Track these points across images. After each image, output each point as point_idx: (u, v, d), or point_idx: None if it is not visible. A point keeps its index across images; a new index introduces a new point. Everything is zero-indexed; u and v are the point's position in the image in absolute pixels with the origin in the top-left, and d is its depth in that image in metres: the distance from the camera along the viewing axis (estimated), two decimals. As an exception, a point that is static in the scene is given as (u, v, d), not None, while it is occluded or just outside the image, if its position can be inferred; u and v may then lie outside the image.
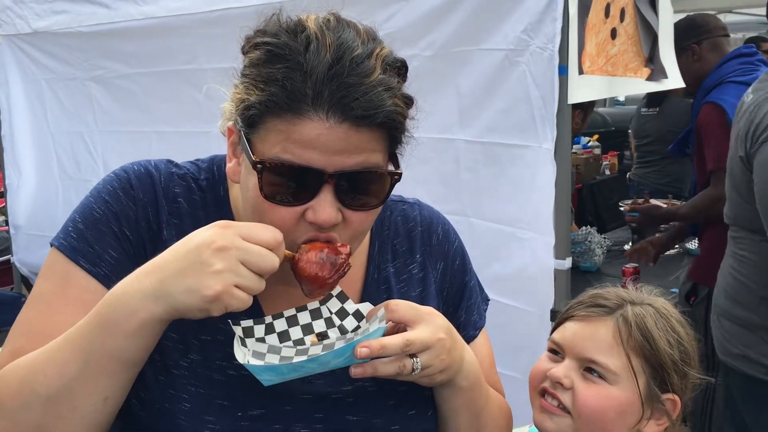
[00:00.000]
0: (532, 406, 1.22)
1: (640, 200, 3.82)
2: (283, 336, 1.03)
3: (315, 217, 0.94)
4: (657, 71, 2.84)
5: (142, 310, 0.89)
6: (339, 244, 0.96)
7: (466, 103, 2.63)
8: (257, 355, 0.93)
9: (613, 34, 2.58)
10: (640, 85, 2.83)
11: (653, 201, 3.77)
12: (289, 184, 0.94)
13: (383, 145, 0.97)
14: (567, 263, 2.48)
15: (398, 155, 1.03)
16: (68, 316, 0.97)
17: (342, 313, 1.06)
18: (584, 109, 4.75)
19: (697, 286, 3.10)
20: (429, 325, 1.00)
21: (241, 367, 0.96)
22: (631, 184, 5.32)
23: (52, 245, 1.04)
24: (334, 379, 1.04)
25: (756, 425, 2.34)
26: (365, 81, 0.92)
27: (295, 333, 1.03)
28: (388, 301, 1.03)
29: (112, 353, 0.91)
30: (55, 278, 1.02)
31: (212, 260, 0.86)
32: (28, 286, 4.51)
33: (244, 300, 0.87)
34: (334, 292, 1.06)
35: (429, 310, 1.04)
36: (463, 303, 1.23)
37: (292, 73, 0.91)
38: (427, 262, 1.19)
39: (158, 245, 1.02)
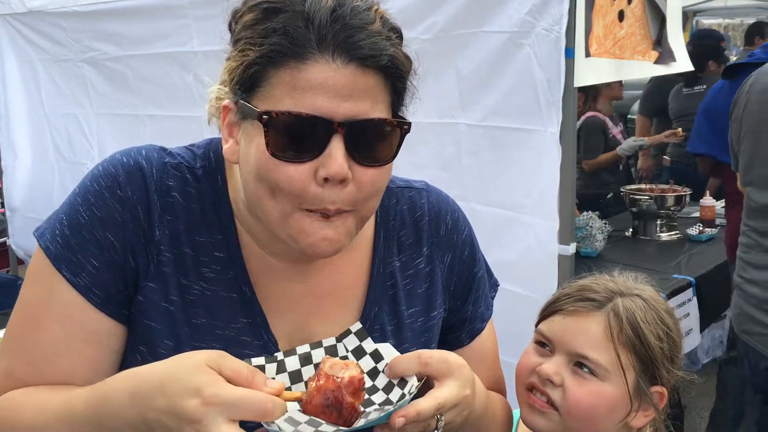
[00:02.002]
0: (519, 402, 1.19)
1: (650, 186, 3.84)
2: (295, 376, 0.97)
3: (326, 171, 0.89)
4: (665, 54, 2.80)
5: None
6: (346, 381, 0.88)
7: (467, 87, 2.59)
8: (292, 421, 0.87)
9: (621, 16, 2.54)
10: (648, 69, 2.80)
11: (661, 187, 3.80)
12: (296, 136, 0.90)
13: (387, 97, 0.94)
14: (571, 248, 2.45)
15: (402, 116, 0.99)
16: (51, 334, 0.99)
17: (359, 352, 0.99)
18: (587, 92, 4.73)
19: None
20: (457, 380, 0.96)
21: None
22: (675, 166, 5.23)
23: (38, 244, 1.01)
24: None
25: None
26: (367, 26, 0.90)
27: (308, 372, 0.97)
28: (420, 353, 0.97)
29: None
30: (40, 287, 1.00)
31: None
32: (24, 268, 4.48)
33: None
34: (353, 328, 1.01)
35: (458, 363, 0.99)
36: (470, 296, 1.19)
37: (293, 20, 0.89)
38: (434, 255, 1.15)
39: (150, 245, 0.99)
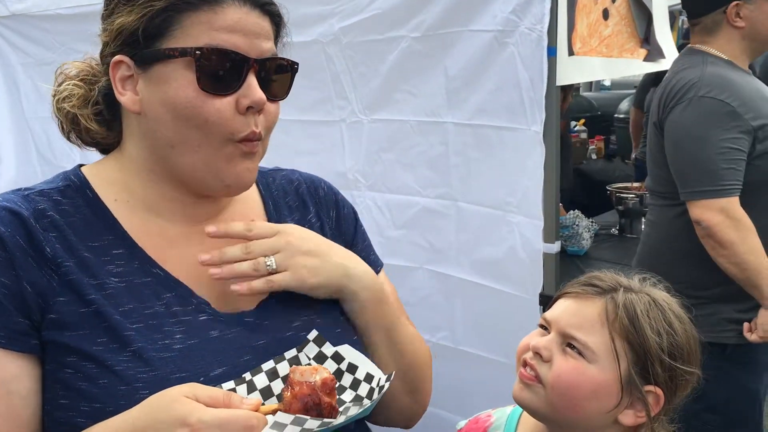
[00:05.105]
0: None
1: (636, 184, 3.84)
2: (265, 392, 1.00)
3: (250, 100, 1.02)
4: (654, 52, 2.81)
5: None
6: (320, 383, 0.92)
7: (454, 86, 2.59)
8: (277, 425, 0.89)
9: (605, 14, 2.55)
10: (637, 66, 2.81)
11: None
12: (220, 71, 1.01)
13: (274, 41, 1.09)
14: (556, 247, 2.46)
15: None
16: None
17: (320, 358, 1.04)
18: (564, 90, 4.74)
19: None
20: (281, 232, 1.11)
21: (187, 337, 0.99)
22: (638, 163, 5.21)
23: None
24: (281, 323, 1.09)
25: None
26: None
27: (276, 386, 1.01)
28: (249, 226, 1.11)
29: None
30: None
31: None
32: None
33: None
34: (311, 336, 1.05)
35: (288, 225, 1.16)
36: (359, 246, 1.30)
37: None
38: (320, 213, 1.27)
39: (45, 266, 0.99)
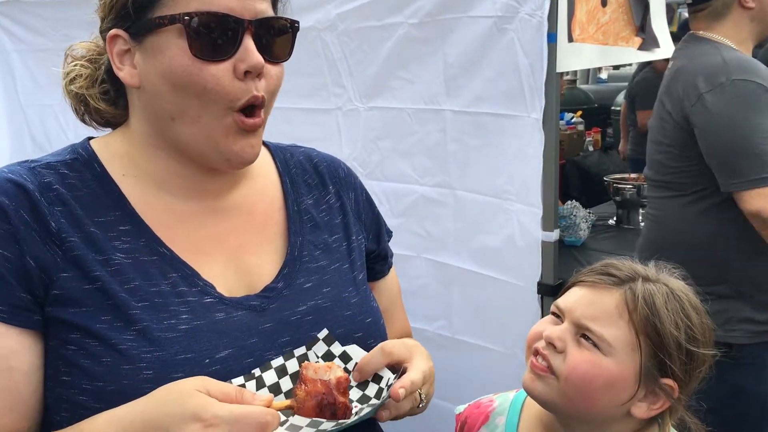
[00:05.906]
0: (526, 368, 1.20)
1: (634, 175, 3.83)
2: (274, 389, 1.00)
3: (247, 64, 0.99)
4: (649, 40, 2.79)
5: None
6: (334, 382, 0.93)
7: (452, 73, 2.57)
8: (293, 428, 0.90)
9: (604, 1, 2.53)
10: (631, 55, 2.79)
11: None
12: (215, 36, 0.98)
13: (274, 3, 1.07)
14: (554, 235, 2.44)
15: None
16: None
17: (328, 356, 1.04)
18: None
19: None
20: (421, 356, 1.07)
21: (193, 318, 0.98)
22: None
23: None
24: (287, 307, 1.07)
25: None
26: None
27: (285, 383, 1.00)
28: (382, 345, 1.05)
29: None
30: None
31: None
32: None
33: None
34: (321, 335, 1.05)
35: (414, 343, 1.11)
36: (381, 231, 1.32)
37: None
38: (340, 192, 1.26)
39: (49, 240, 0.97)
